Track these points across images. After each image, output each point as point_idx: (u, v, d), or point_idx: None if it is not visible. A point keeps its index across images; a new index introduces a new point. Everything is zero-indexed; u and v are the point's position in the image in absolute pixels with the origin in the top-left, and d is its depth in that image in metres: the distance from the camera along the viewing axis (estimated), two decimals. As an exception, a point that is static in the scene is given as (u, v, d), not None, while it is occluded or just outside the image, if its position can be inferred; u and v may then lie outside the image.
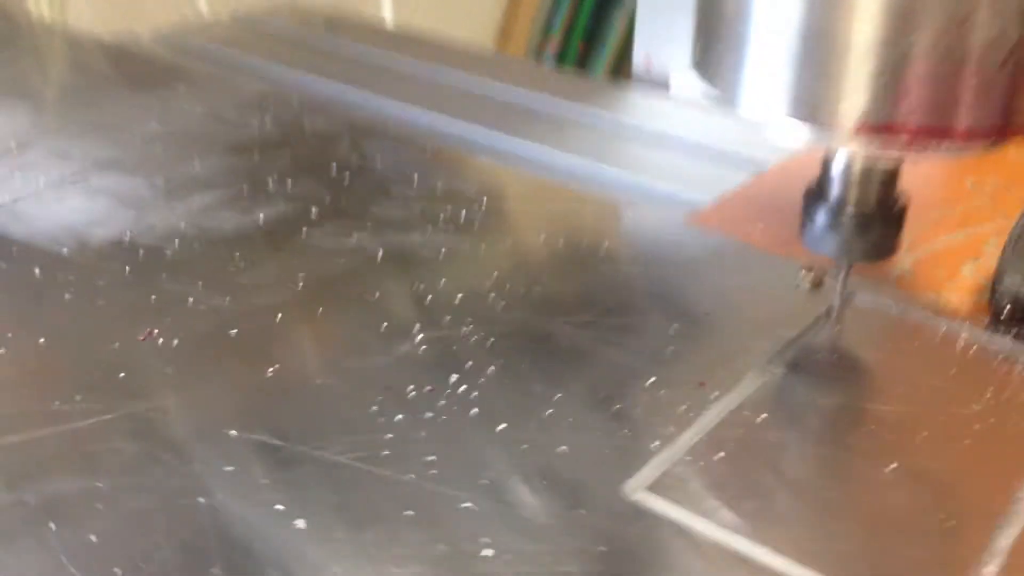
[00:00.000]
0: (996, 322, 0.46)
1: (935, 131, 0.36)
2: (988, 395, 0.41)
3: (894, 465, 0.37)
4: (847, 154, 0.41)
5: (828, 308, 0.46)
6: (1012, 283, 0.45)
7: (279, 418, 0.38)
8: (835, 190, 0.42)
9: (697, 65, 0.41)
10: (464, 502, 0.35)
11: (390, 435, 0.37)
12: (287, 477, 0.35)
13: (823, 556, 0.33)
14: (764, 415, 0.40)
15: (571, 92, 0.76)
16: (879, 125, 0.36)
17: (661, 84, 0.86)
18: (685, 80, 0.84)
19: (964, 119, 0.36)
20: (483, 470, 0.36)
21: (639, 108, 0.75)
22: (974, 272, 0.52)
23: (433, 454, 0.37)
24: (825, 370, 0.43)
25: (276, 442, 0.37)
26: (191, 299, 0.45)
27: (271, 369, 0.41)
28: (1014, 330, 0.45)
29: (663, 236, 0.53)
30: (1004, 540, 0.34)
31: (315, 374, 0.41)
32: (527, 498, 0.35)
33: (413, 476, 0.36)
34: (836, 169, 0.42)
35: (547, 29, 1.85)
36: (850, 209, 0.42)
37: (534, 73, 0.83)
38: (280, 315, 0.44)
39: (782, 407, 0.40)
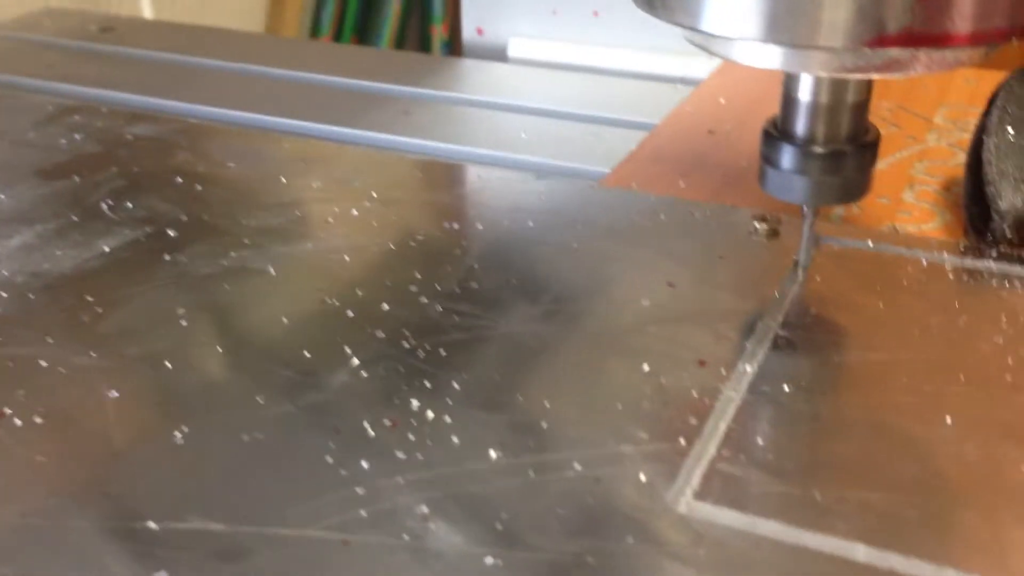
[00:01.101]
0: (995, 245, 0.41)
1: (931, 38, 0.31)
2: (1004, 323, 0.37)
3: (949, 420, 0.32)
4: (812, 83, 0.36)
5: (795, 261, 0.40)
6: (1013, 203, 0.40)
7: (210, 495, 0.29)
8: (800, 126, 0.37)
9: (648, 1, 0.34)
10: (485, 556, 0.27)
11: (361, 489, 0.29)
12: (241, 571, 0.26)
13: (922, 540, 0.27)
14: (786, 386, 0.34)
15: (411, 74, 0.68)
16: (865, 39, 0.30)
17: (497, 54, 0.79)
18: (523, 46, 0.78)
19: (964, 22, 0.31)
20: (493, 513, 0.28)
21: (490, 83, 0.68)
22: (917, 198, 0.48)
23: (423, 503, 0.29)
24: (827, 324, 0.37)
25: (215, 527, 0.28)
26: (43, 362, 0.35)
27: (179, 433, 0.31)
28: (1015, 251, 0.41)
29: (589, 206, 0.46)
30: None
31: (237, 428, 0.31)
32: (559, 538, 0.27)
33: (407, 537, 0.27)
34: (800, 102, 0.36)
35: (316, 23, 1.76)
36: (818, 147, 0.36)
37: (363, 58, 0.75)
38: (169, 363, 0.35)
39: (801, 373, 0.34)
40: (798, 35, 0.31)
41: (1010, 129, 0.41)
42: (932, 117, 0.57)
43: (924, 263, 0.41)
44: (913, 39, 0.30)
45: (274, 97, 0.64)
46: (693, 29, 0.33)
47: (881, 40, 0.30)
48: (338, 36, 1.81)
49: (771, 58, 0.33)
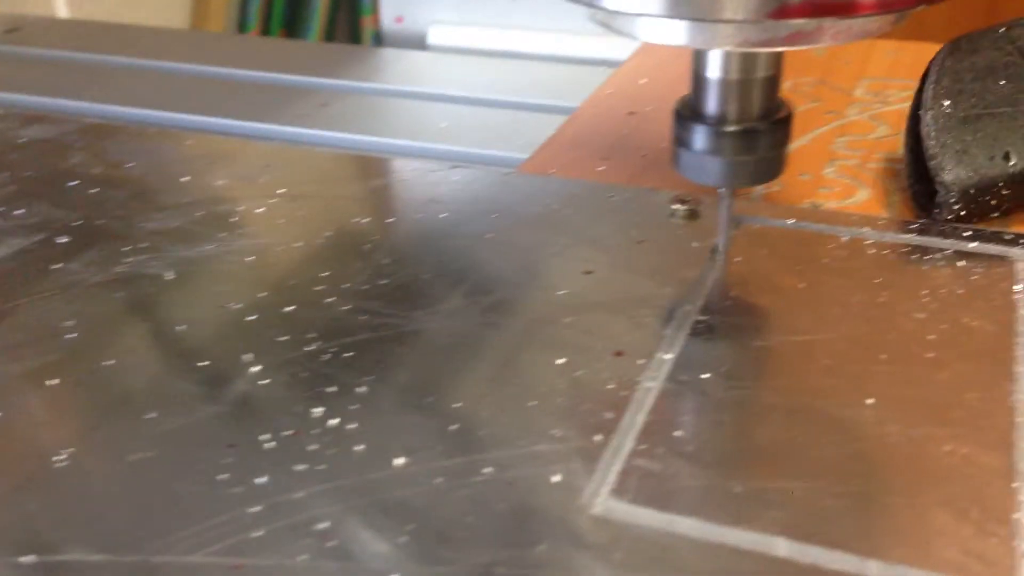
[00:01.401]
0: (943, 221, 0.41)
1: (835, 7, 0.30)
2: (926, 298, 0.36)
3: (871, 401, 0.31)
4: (720, 60, 0.34)
5: (714, 247, 0.39)
6: (958, 174, 0.39)
7: (90, 523, 0.27)
8: (711, 105, 0.35)
9: None
10: (391, 573, 0.25)
11: (257, 507, 0.27)
12: (127, 602, 0.25)
13: (844, 530, 0.26)
14: (706, 374, 0.32)
15: (330, 65, 0.66)
16: (768, 10, 0.29)
17: (418, 42, 0.78)
18: (443, 33, 0.76)
19: None
20: (397, 526, 0.27)
21: (410, 72, 0.66)
22: (838, 173, 0.47)
23: (325, 519, 0.27)
24: (748, 307, 0.36)
25: (95, 558, 0.26)
26: (-81, 384, 0.32)
27: (60, 457, 0.29)
28: (964, 229, 0.40)
29: (505, 195, 0.44)
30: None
31: (124, 448, 0.30)
32: (468, 550, 0.26)
33: (307, 556, 0.26)
34: (710, 80, 0.35)
35: (243, 18, 1.72)
36: (731, 126, 0.35)
37: (282, 51, 0.72)
38: (55, 379, 0.32)
39: (721, 359, 0.33)
40: (700, 8, 0.30)
41: (946, 102, 0.41)
42: (852, 91, 0.56)
43: (845, 240, 0.40)
44: (817, 9, 0.29)
45: (185, 94, 0.61)
46: (593, 6, 0.31)
47: (784, 11, 0.29)
48: (266, 31, 1.78)
49: (675, 34, 0.31)
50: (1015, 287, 0.36)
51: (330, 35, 1.80)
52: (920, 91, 0.43)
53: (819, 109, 0.54)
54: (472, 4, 0.76)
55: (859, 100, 0.55)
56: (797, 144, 0.50)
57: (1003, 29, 0.42)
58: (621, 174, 0.47)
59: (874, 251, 0.39)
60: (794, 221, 0.41)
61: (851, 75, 0.58)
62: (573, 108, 0.56)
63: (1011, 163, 0.40)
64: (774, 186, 0.46)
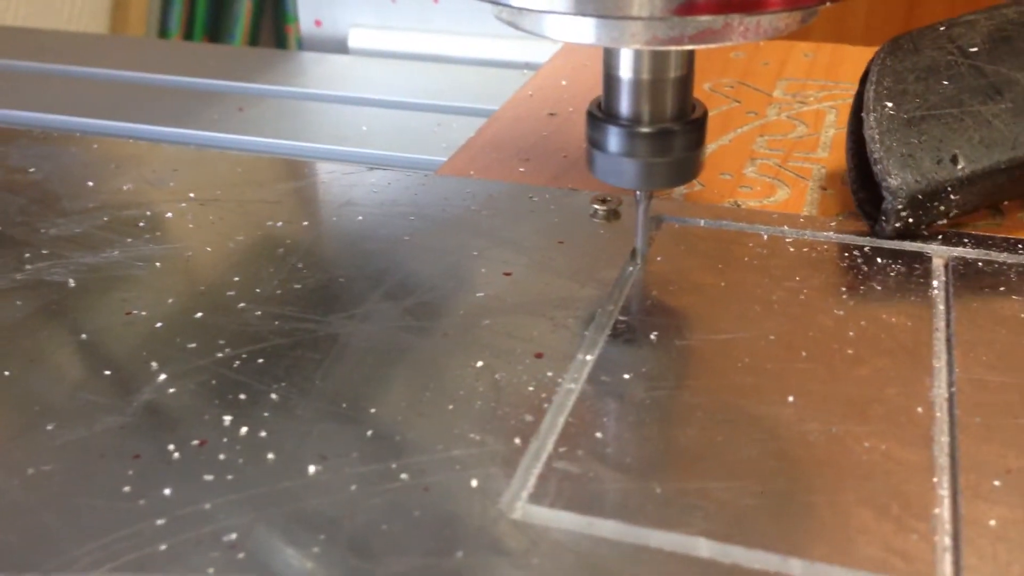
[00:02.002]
0: (889, 231, 0.39)
1: (739, 4, 0.29)
2: (844, 295, 0.36)
3: (792, 399, 0.31)
4: (631, 59, 0.34)
5: (633, 251, 0.39)
6: (904, 179, 0.38)
7: (-15, 539, 0.26)
8: (624, 106, 0.35)
9: None
10: (300, 587, 0.24)
11: (161, 520, 0.26)
12: (20, 624, 0.23)
13: (765, 530, 0.26)
14: (627, 374, 0.32)
15: (247, 69, 0.65)
16: (674, 6, 0.29)
17: (338, 46, 0.76)
18: (363, 36, 0.75)
19: None
20: (310, 535, 0.26)
21: (330, 75, 0.65)
22: (758, 172, 0.47)
23: (232, 531, 0.26)
24: (668, 307, 0.36)
25: (-11, 576, 0.24)
26: None
27: (-47, 471, 0.28)
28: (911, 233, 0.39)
29: (422, 197, 0.43)
30: (943, 457, 0.29)
31: (22, 462, 0.28)
32: (383, 555, 0.25)
33: (212, 570, 0.25)
34: (622, 80, 0.34)
35: (163, 25, 1.69)
36: (645, 127, 0.34)
37: (199, 55, 0.71)
38: (-54, 392, 0.31)
39: (642, 360, 0.33)
40: (606, 5, 0.29)
41: (889, 104, 0.39)
42: (772, 92, 0.56)
43: (765, 238, 0.40)
44: (722, 5, 0.29)
45: (96, 99, 0.59)
46: (500, 3, 0.31)
47: (691, 7, 0.28)
48: (188, 38, 1.75)
49: (583, 32, 0.31)
50: (933, 283, 0.37)
51: (254, 42, 1.78)
52: (860, 93, 0.41)
53: (740, 109, 0.54)
54: (393, 7, 0.75)
55: (778, 100, 0.55)
56: (718, 143, 0.50)
57: (943, 27, 0.41)
58: (542, 175, 0.47)
59: (793, 249, 0.39)
60: (715, 220, 0.41)
61: (770, 76, 0.59)
62: (494, 111, 0.56)
63: (959, 166, 0.38)
64: (695, 185, 0.45)
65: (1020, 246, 0.39)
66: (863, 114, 0.39)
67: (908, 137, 0.38)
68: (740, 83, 0.58)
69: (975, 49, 0.40)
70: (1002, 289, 0.36)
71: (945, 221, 0.39)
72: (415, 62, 0.69)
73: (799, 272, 0.37)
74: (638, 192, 0.37)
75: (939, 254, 0.38)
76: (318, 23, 0.76)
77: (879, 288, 0.36)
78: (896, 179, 0.38)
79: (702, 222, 0.41)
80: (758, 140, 0.50)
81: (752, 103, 0.55)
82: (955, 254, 0.38)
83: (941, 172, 0.38)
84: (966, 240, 0.39)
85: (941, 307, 0.35)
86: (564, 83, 0.59)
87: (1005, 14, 0.41)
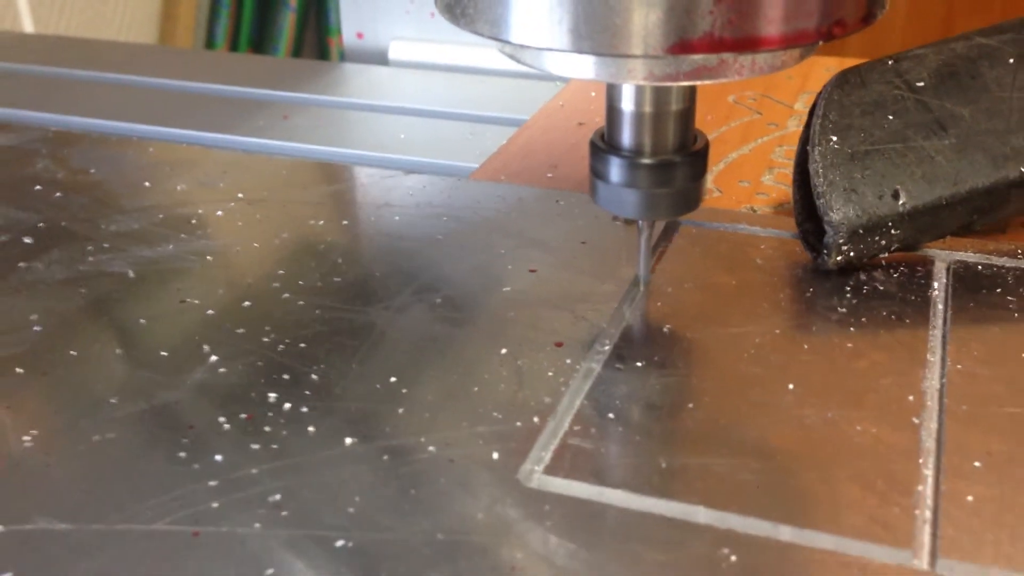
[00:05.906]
0: (831, 262, 0.39)
1: (732, 43, 0.29)
2: (849, 293, 0.38)
3: (792, 387, 0.33)
4: (633, 93, 0.35)
5: (634, 279, 0.39)
6: (846, 214, 0.38)
7: (56, 496, 0.29)
8: (626, 138, 0.35)
9: (448, 7, 0.32)
10: (337, 540, 0.27)
11: (214, 482, 0.29)
12: (90, 568, 0.26)
13: (759, 501, 0.28)
14: (639, 362, 0.34)
15: (292, 79, 0.68)
16: (666, 46, 0.29)
17: (379, 57, 0.80)
18: (403, 49, 0.78)
19: (763, 25, 0.29)
20: (346, 497, 0.29)
21: (370, 86, 0.69)
22: (775, 180, 0.49)
23: (277, 492, 0.29)
24: (682, 303, 0.38)
25: (61, 527, 0.27)
26: None
27: (27, 437, 0.31)
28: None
29: (456, 200, 0.46)
30: (929, 441, 0.31)
31: (88, 430, 0.31)
32: (412, 519, 0.28)
33: (259, 525, 0.28)
34: (624, 112, 0.35)
35: (210, 37, 1.74)
36: (646, 158, 0.35)
37: (245, 65, 0.74)
38: (20, 368, 0.34)
39: (655, 350, 0.35)
40: (602, 44, 0.29)
41: (834, 137, 0.39)
42: (793, 104, 0.59)
43: (776, 241, 0.42)
44: (715, 44, 0.29)
45: (147, 106, 0.63)
46: (497, 39, 0.31)
47: (684, 46, 0.29)
48: (233, 49, 1.80)
49: (582, 68, 0.31)
50: (934, 284, 0.39)
51: (297, 54, 1.82)
52: (808, 125, 0.40)
53: (761, 121, 0.57)
54: (431, 21, 0.78)
55: (799, 112, 0.57)
56: (738, 152, 0.52)
57: (891, 62, 0.41)
58: (568, 181, 0.49)
59: (802, 252, 0.41)
60: (731, 224, 0.43)
61: (792, 90, 0.61)
62: (525, 120, 0.58)
63: (900, 202, 0.38)
64: (713, 192, 0.48)
65: (1020, 251, 0.41)
66: (808, 147, 0.40)
67: (852, 172, 0.39)
68: (763, 95, 0.60)
69: (922, 84, 0.40)
70: (998, 290, 0.38)
71: (887, 255, 0.40)
72: (452, 74, 0.72)
73: (806, 274, 0.40)
74: (640, 221, 0.38)
75: (941, 257, 0.41)
76: (360, 36, 0.79)
77: (882, 288, 0.39)
78: (838, 213, 0.38)
79: (719, 225, 0.43)
80: (776, 150, 0.53)
81: (773, 115, 0.57)
82: (957, 257, 0.41)
83: (883, 207, 0.38)
84: (968, 245, 0.41)
85: (940, 307, 0.38)
86: (593, 95, 0.61)
87: (953, 48, 0.41)
